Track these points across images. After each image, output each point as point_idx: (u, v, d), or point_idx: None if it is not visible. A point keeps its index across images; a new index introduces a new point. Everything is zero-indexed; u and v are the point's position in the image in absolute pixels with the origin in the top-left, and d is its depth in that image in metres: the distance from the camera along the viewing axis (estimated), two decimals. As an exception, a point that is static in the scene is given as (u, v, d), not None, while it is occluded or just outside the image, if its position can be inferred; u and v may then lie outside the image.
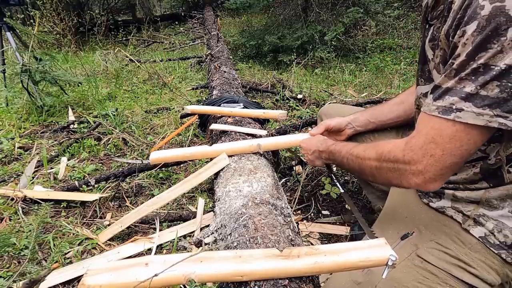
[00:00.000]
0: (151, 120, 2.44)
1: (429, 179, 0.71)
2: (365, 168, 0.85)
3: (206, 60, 3.55)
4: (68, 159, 1.92)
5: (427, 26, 0.82)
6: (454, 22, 0.65)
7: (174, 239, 1.28)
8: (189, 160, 1.79)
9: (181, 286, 1.07)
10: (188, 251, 1.25)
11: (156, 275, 0.64)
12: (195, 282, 0.68)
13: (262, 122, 1.91)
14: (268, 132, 1.57)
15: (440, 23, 0.74)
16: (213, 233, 1.00)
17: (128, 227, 1.35)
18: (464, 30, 0.62)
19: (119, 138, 2.11)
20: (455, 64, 0.64)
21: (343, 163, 0.96)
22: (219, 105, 1.89)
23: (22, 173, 1.75)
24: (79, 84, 3.14)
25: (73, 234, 1.35)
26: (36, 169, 1.82)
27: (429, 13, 0.81)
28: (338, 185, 1.14)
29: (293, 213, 1.50)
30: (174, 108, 2.62)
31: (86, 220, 1.45)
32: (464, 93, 0.63)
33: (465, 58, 0.62)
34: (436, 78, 0.78)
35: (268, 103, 2.76)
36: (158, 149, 1.41)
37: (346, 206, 1.56)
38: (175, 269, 0.67)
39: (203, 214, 1.41)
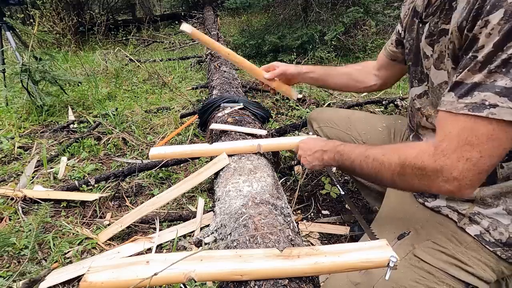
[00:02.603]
0: (151, 119, 2.44)
1: (465, 185, 0.64)
2: (384, 173, 0.76)
3: (206, 59, 3.55)
4: (68, 159, 1.92)
5: (420, 25, 0.83)
6: (470, 13, 0.62)
7: (174, 239, 1.28)
8: (189, 159, 1.79)
9: (181, 285, 1.07)
10: (188, 251, 1.25)
11: (156, 273, 0.64)
12: (195, 281, 0.68)
13: (262, 122, 1.91)
14: (268, 132, 1.56)
15: (438, 17, 0.75)
16: (213, 232, 1.00)
17: (128, 227, 1.35)
18: (486, 20, 0.59)
19: (119, 137, 2.11)
20: (481, 57, 0.60)
21: (353, 165, 0.84)
22: (219, 105, 1.89)
23: (22, 172, 1.75)
24: (79, 84, 3.14)
25: (73, 233, 1.35)
26: (36, 168, 1.82)
27: (423, 12, 0.82)
28: (338, 186, 1.14)
29: (293, 213, 1.50)
30: (174, 108, 2.62)
31: (86, 219, 1.45)
32: (498, 87, 0.58)
33: (493, 49, 0.58)
34: (434, 74, 0.78)
35: (268, 103, 2.76)
36: (158, 149, 1.41)
37: (346, 206, 1.56)
38: (176, 268, 0.67)
39: (203, 213, 1.41)
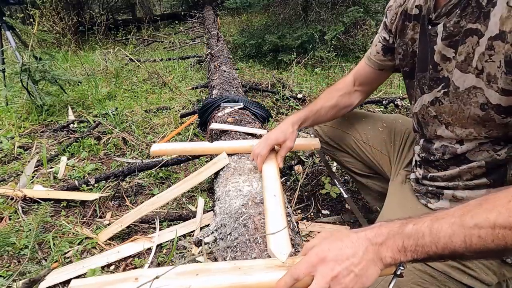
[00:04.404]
0: (151, 119, 2.43)
1: None
2: None
3: (206, 59, 3.55)
4: (68, 159, 1.92)
5: (430, 27, 0.78)
6: None
7: (174, 238, 1.28)
8: (189, 157, 1.78)
9: None
10: (188, 251, 1.25)
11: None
12: None
13: (262, 122, 1.91)
14: (268, 132, 1.56)
15: (459, 16, 0.69)
16: (213, 232, 1.01)
17: (128, 227, 1.35)
18: None
19: (119, 137, 2.11)
20: None
21: (450, 246, 0.51)
22: (219, 104, 1.89)
23: (22, 172, 1.75)
24: (79, 84, 3.14)
25: (73, 233, 1.35)
26: (36, 168, 1.82)
27: (431, 13, 0.78)
28: (342, 189, 1.14)
29: (293, 213, 1.50)
30: (174, 108, 2.62)
31: (86, 219, 1.45)
32: None
33: None
34: (460, 77, 0.72)
35: (268, 102, 2.76)
36: (158, 149, 1.41)
37: (346, 205, 1.56)
38: (168, 284, 0.62)
39: (203, 213, 1.41)
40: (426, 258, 0.54)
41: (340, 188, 1.15)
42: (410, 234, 0.54)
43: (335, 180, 1.22)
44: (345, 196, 1.09)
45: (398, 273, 0.58)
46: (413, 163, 0.98)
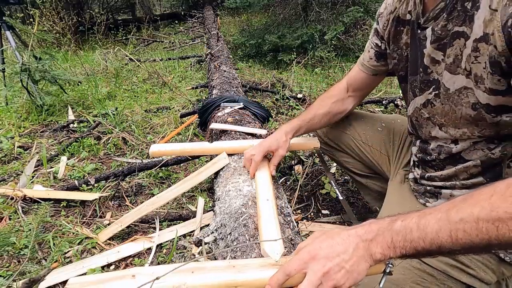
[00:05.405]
0: (151, 119, 2.44)
1: None
2: (505, 232, 0.48)
3: (206, 59, 3.55)
4: (68, 158, 1.92)
5: (419, 31, 0.80)
6: None
7: (174, 238, 1.28)
8: (189, 157, 1.78)
9: None
10: (188, 251, 1.25)
11: (143, 289, 0.60)
12: None
13: (262, 122, 1.91)
14: (268, 131, 1.57)
15: (446, 20, 0.71)
16: (213, 232, 1.01)
17: (128, 227, 1.35)
18: None
19: (119, 137, 2.11)
20: None
21: (437, 241, 0.52)
22: (219, 104, 1.89)
23: (22, 172, 1.75)
24: (79, 83, 3.14)
25: (73, 233, 1.35)
26: (36, 168, 1.82)
27: (420, 17, 0.80)
28: (337, 191, 1.14)
29: (293, 213, 1.50)
30: (174, 108, 2.62)
31: (86, 219, 1.45)
32: None
33: None
34: (450, 79, 0.73)
35: (268, 102, 2.76)
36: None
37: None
38: (164, 281, 0.62)
39: (203, 213, 1.41)
40: (415, 253, 0.55)
41: (336, 190, 1.15)
42: (399, 230, 0.55)
43: (331, 181, 1.22)
44: (340, 198, 1.09)
45: (387, 271, 0.59)
46: (411, 163, 0.99)
